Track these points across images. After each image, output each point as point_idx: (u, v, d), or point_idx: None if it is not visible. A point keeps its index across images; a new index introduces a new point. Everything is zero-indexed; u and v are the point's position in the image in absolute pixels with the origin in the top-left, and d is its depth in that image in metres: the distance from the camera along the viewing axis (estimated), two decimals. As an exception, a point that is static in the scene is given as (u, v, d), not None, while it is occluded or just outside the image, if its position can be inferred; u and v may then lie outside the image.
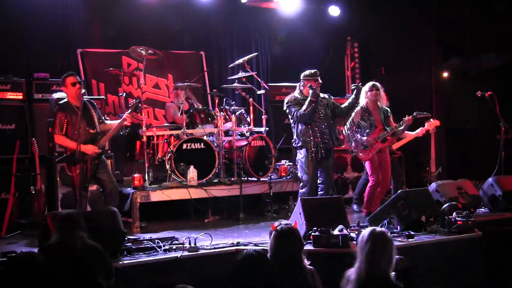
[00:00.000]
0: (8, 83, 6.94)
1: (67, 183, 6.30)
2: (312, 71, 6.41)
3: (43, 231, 4.71)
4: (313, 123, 6.29)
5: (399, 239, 5.18)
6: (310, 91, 6.22)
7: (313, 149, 6.24)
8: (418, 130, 7.14)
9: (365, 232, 3.33)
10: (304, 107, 6.22)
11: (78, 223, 4.02)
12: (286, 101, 6.47)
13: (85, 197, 5.72)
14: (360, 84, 6.65)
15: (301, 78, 6.45)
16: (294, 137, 6.43)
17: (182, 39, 8.97)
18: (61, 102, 5.82)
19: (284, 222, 3.64)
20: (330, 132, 6.36)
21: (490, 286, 5.47)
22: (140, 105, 6.69)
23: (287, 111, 6.45)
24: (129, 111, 6.01)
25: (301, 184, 6.45)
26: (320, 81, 6.37)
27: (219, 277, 4.75)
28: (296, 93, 6.45)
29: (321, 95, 6.37)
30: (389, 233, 3.44)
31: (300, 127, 6.34)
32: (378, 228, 3.38)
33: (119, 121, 5.97)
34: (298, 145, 6.36)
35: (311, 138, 6.26)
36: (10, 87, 6.95)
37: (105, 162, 5.95)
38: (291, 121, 6.47)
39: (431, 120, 7.02)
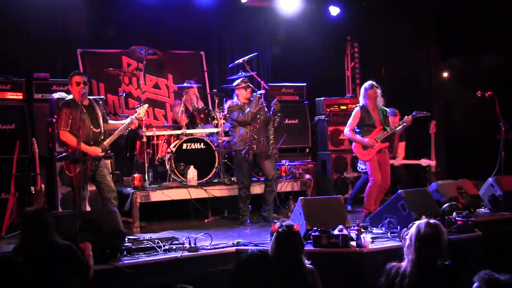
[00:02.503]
0: (8, 83, 6.93)
1: (66, 183, 6.30)
2: (239, 79, 6.79)
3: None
4: (252, 128, 6.60)
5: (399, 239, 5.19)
6: (252, 100, 6.60)
7: (250, 152, 6.55)
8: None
9: (420, 224, 3.37)
10: (246, 113, 6.56)
11: (40, 222, 3.81)
12: (227, 106, 6.75)
13: (84, 197, 5.69)
14: (280, 116, 6.85)
15: (234, 88, 6.83)
16: (234, 139, 6.67)
17: (182, 39, 8.95)
18: (67, 98, 5.78)
19: (285, 222, 3.62)
20: (265, 136, 6.68)
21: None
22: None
23: (228, 115, 6.76)
24: (135, 115, 5.94)
25: (239, 186, 6.74)
26: (251, 86, 6.75)
27: (219, 277, 4.77)
28: (234, 100, 6.77)
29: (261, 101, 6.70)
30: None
31: (240, 131, 6.62)
32: (432, 220, 3.42)
33: (124, 122, 5.86)
34: (239, 148, 6.61)
35: (249, 141, 6.56)
36: (10, 87, 6.94)
37: (105, 164, 5.89)
38: (231, 125, 6.78)
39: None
